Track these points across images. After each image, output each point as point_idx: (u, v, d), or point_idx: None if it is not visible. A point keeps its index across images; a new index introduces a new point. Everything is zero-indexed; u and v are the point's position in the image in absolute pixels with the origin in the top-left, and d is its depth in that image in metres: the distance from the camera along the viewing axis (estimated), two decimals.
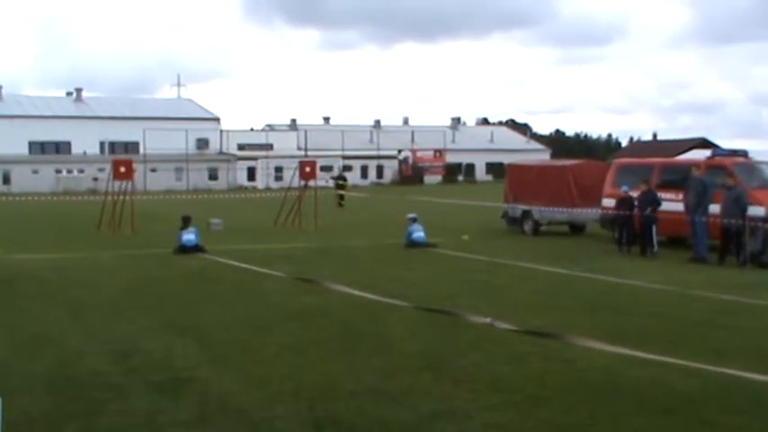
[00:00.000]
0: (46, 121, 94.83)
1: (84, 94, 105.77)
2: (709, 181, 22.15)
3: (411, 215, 26.11)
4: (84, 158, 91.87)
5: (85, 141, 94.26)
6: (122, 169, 31.01)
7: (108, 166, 36.01)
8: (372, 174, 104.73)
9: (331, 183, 54.55)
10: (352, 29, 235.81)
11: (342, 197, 49.43)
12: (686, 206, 22.29)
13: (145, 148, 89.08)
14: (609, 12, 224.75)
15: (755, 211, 21.27)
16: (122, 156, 73.09)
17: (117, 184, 31.26)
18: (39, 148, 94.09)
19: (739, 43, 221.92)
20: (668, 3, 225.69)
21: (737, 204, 20.86)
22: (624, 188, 24.52)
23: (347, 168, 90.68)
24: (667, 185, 24.47)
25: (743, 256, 20.41)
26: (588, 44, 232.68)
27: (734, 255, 20.73)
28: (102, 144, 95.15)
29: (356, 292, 15.67)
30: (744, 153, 25.82)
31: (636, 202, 23.42)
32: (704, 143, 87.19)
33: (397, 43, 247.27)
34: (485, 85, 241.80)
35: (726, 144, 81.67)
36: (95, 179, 79.40)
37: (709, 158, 25.18)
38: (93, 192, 64.50)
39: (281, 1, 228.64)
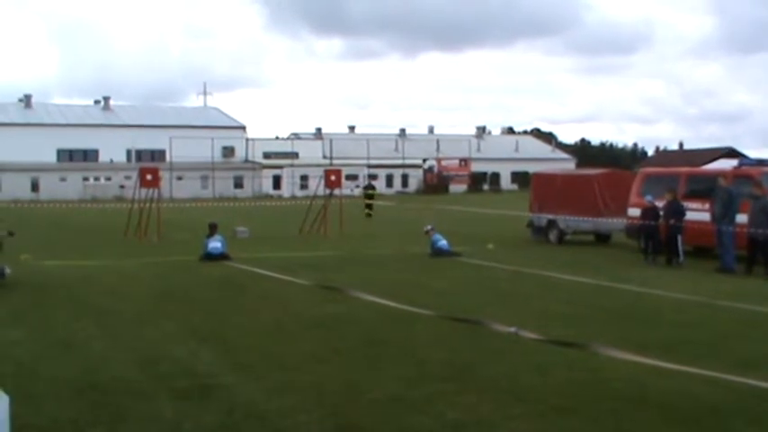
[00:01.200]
0: (74, 129, 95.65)
1: (111, 102, 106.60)
2: (736, 191, 22.01)
3: (427, 227, 26.12)
4: (112, 166, 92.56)
5: (113, 149, 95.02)
6: (149, 177, 31.19)
7: (135, 174, 36.22)
8: (397, 182, 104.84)
9: (357, 191, 54.46)
10: (376, 37, 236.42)
11: (370, 207, 47.91)
12: (713, 216, 22.15)
13: (171, 156, 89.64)
14: (633, 20, 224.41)
15: None
16: (149, 164, 73.48)
17: (143, 191, 31.44)
18: (67, 155, 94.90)
19: (763, 52, 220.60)
20: (692, 11, 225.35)
21: (765, 214, 20.71)
22: (649, 198, 24.42)
23: (372, 177, 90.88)
24: (694, 195, 24.33)
25: None
26: (612, 53, 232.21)
27: (761, 265, 20.57)
28: (128, 152, 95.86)
29: (380, 301, 15.67)
30: None
31: (661, 212, 23.30)
32: (731, 153, 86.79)
33: (422, 52, 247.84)
34: (509, 93, 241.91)
35: (753, 154, 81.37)
36: (122, 187, 79.94)
37: (736, 168, 25.01)
38: (120, 199, 64.91)
39: (306, 9, 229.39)
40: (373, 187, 53.22)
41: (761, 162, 26.09)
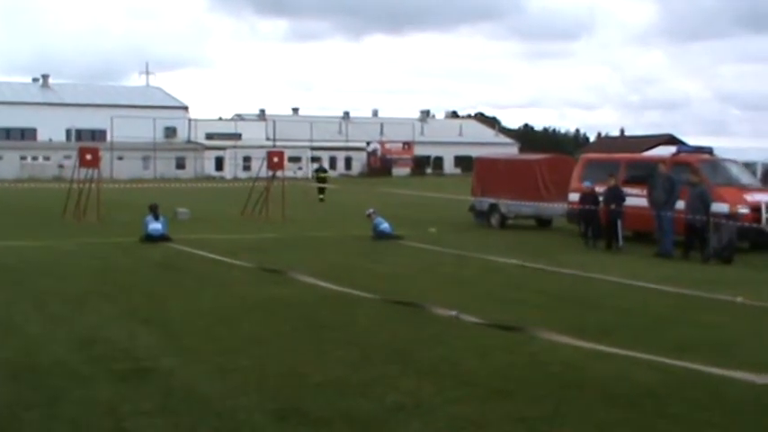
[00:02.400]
0: (11, 108, 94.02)
1: (50, 80, 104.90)
2: (677, 178, 22.28)
3: (369, 210, 26.13)
4: (50, 145, 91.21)
5: (52, 128, 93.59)
6: (88, 157, 30.79)
7: (74, 154, 35.73)
8: (341, 165, 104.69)
9: (299, 174, 53.80)
10: (320, 19, 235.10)
11: (322, 191, 45.74)
12: (650, 202, 22.40)
13: (112, 136, 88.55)
14: (575, 7, 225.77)
15: (719, 207, 21.50)
16: (89, 143, 72.50)
17: (83, 171, 31.03)
18: (4, 134, 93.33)
19: (705, 41, 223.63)
20: None
21: (702, 201, 21.05)
22: (587, 183, 24.66)
23: (316, 159, 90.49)
24: (634, 181, 24.62)
25: (706, 252, 20.57)
26: (555, 39, 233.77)
27: (697, 251, 20.90)
28: (68, 131, 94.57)
29: (322, 284, 15.65)
30: (709, 150, 26.07)
31: (601, 197, 23.53)
32: (671, 140, 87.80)
33: (366, 35, 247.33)
34: (454, 78, 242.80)
35: (692, 141, 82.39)
36: (61, 166, 78.86)
37: (674, 155, 25.37)
38: (59, 179, 64.01)
39: None
40: (325, 170, 51.23)
41: (699, 149, 26.53)
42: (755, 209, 22.54)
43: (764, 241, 22.78)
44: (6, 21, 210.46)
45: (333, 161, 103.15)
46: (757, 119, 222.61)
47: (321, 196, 45.02)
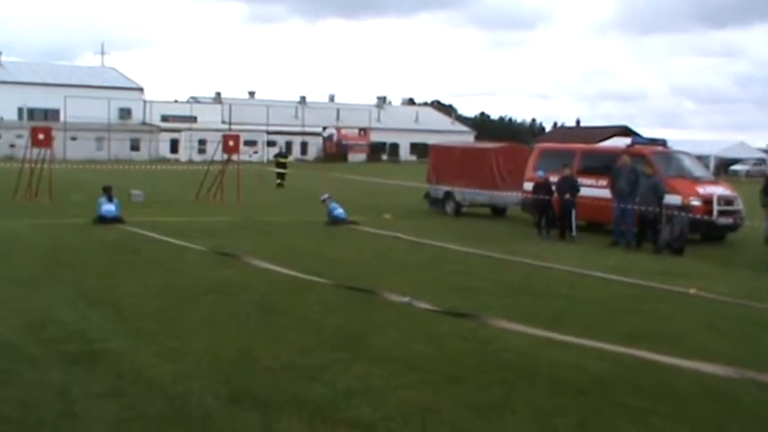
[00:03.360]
0: None
1: (2, 58, 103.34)
2: (640, 169, 22.37)
3: (324, 195, 26.11)
4: (2, 124, 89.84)
5: (3, 107, 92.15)
6: (41, 137, 30.48)
7: (26, 133, 35.31)
8: (297, 150, 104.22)
9: (255, 158, 53.08)
10: (278, 2, 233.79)
11: (282, 176, 44.17)
12: (614, 193, 22.47)
13: (65, 116, 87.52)
14: None
15: (672, 199, 21.74)
16: (42, 123, 71.62)
17: (35, 151, 30.70)
18: None
19: (660, 33, 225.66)
20: None
21: (654, 192, 21.28)
22: (540, 173, 24.80)
23: (272, 144, 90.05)
24: (588, 171, 24.81)
25: (658, 244, 20.79)
26: (513, 28, 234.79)
27: (650, 241, 21.12)
28: (20, 110, 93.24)
29: (275, 268, 15.62)
30: (663, 142, 26.32)
31: (555, 187, 23.68)
32: (626, 131, 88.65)
33: (323, 18, 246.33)
34: (411, 65, 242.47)
35: (647, 133, 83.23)
36: (12, 146, 77.64)
37: (628, 146, 25.58)
38: (10, 159, 63.18)
39: None
40: (285, 155, 50.16)
41: (653, 141, 26.78)
42: (707, 201, 22.82)
43: (716, 233, 23.09)
44: None
45: (289, 146, 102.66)
46: (711, 112, 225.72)
47: (279, 181, 43.87)
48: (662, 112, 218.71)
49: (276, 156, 49.50)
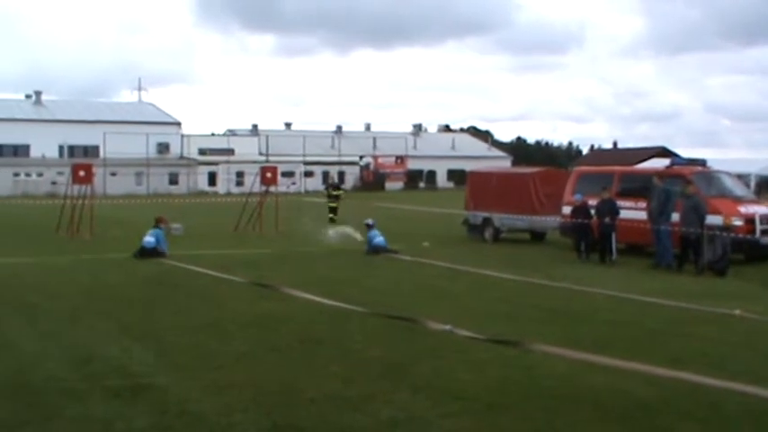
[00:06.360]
0: (4, 124, 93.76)
1: (43, 96, 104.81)
2: (672, 190, 22.30)
3: (368, 221, 26.10)
4: (43, 162, 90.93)
5: (45, 144, 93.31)
6: (82, 173, 30.81)
7: (67, 170, 35.73)
8: (334, 180, 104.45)
9: (293, 188, 50.01)
10: (308, 35, 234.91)
11: (334, 210, 39.19)
12: (649, 214, 22.43)
13: (105, 152, 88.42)
14: (563, 20, 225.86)
15: (713, 219, 21.52)
16: (82, 159, 72.46)
17: (76, 187, 31.03)
18: None
19: (693, 52, 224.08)
20: (622, 12, 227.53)
21: (696, 213, 21.09)
22: (577, 197, 24.71)
23: (309, 174, 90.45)
24: (627, 193, 24.65)
25: (700, 265, 20.60)
26: (544, 52, 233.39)
27: (692, 263, 20.92)
28: (61, 147, 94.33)
29: (316, 298, 15.64)
30: (702, 162, 26.11)
31: (594, 210, 23.55)
32: (664, 152, 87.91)
33: (354, 50, 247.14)
34: (444, 91, 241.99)
35: (685, 153, 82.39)
36: (54, 183, 78.55)
37: (667, 167, 25.41)
38: (52, 195, 63.90)
39: (235, 5, 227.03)
40: (338, 187, 42.73)
41: (692, 161, 26.55)
42: (749, 220, 22.56)
43: (758, 253, 22.81)
44: None
45: (326, 176, 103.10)
46: (749, 130, 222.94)
47: (332, 215, 38.61)
48: (699, 131, 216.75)
49: (328, 187, 43.34)
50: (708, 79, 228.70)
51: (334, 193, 40.54)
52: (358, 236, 27.33)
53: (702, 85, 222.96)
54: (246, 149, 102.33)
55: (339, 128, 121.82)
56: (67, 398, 8.81)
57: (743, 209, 22.99)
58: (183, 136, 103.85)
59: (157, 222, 24.06)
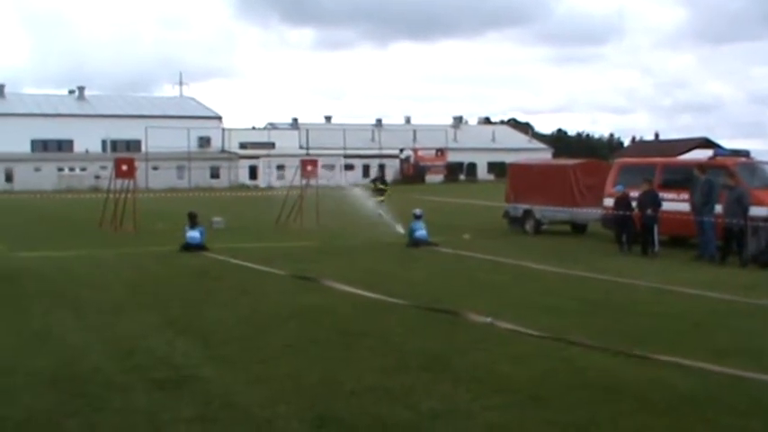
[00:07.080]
0: (48, 120, 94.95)
1: (85, 92, 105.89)
2: (716, 181, 22.11)
3: (416, 210, 26.03)
4: (87, 156, 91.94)
5: (88, 139, 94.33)
6: (124, 167, 31.06)
7: (110, 165, 36.06)
8: (374, 173, 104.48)
9: (332, 182, 47.70)
10: (346, 28, 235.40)
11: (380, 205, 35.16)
12: (692, 205, 22.26)
13: (147, 147, 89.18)
14: (603, 10, 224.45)
15: (757, 210, 21.29)
16: (124, 154, 73.14)
17: (119, 182, 31.30)
18: (41, 146, 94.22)
19: (736, 43, 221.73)
20: (663, 2, 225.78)
21: (739, 204, 20.88)
22: (619, 188, 24.58)
23: (349, 167, 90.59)
24: (669, 185, 24.47)
25: (744, 257, 20.41)
26: (584, 43, 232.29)
27: (736, 255, 20.74)
28: (104, 142, 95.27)
29: (357, 291, 15.69)
30: (746, 153, 25.83)
31: (636, 202, 23.40)
32: (706, 143, 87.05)
33: (393, 42, 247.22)
34: (484, 83, 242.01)
35: (727, 144, 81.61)
36: (97, 177, 79.42)
37: (710, 158, 25.17)
38: (96, 190, 64.57)
39: None
40: (385, 181, 40.39)
41: (735, 152, 26.26)
42: None
43: None
44: (40, 34, 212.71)
45: (366, 169, 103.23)
46: None
47: (380, 212, 33.95)
48: (742, 122, 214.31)
49: (373, 181, 41.17)
50: (751, 69, 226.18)
51: (381, 186, 38.42)
52: (399, 228, 27.39)
53: (746, 75, 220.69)
54: (287, 143, 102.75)
55: (379, 121, 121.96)
56: (112, 389, 8.91)
57: None
58: (223, 130, 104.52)
59: (191, 218, 23.99)
